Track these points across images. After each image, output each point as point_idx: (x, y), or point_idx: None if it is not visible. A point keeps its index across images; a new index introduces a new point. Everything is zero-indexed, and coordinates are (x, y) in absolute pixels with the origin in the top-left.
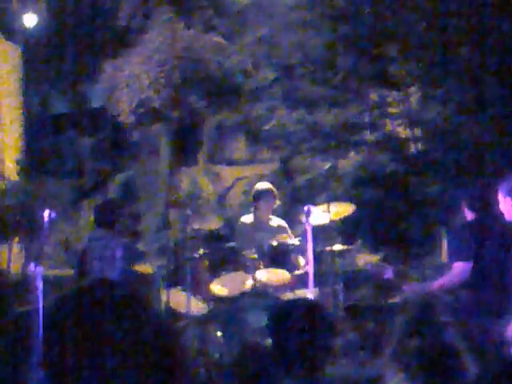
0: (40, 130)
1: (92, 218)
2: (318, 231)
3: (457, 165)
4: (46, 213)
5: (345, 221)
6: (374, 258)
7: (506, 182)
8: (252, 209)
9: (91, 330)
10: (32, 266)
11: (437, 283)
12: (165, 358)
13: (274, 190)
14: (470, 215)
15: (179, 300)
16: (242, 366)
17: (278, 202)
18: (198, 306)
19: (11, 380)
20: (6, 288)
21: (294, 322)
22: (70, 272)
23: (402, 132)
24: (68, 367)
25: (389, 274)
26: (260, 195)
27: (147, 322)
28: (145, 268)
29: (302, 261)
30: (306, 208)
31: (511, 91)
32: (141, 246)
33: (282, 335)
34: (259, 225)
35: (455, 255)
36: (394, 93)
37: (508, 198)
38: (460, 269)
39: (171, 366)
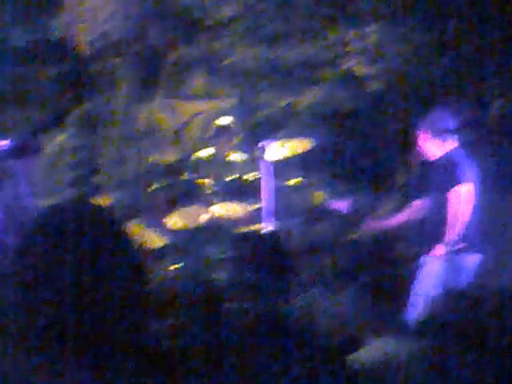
0: None
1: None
2: (276, 167)
3: (415, 103)
4: (4, 142)
5: (303, 156)
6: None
7: (426, 115)
8: (212, 143)
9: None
10: None
11: (395, 220)
12: (133, 289)
13: (236, 125)
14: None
15: (136, 233)
16: (195, 302)
17: (238, 138)
18: (154, 239)
19: None
20: None
21: (252, 256)
22: None
23: (361, 69)
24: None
25: (347, 207)
26: (222, 130)
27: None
28: (103, 199)
29: (259, 195)
30: (262, 143)
31: (473, 30)
32: (99, 179)
33: (240, 269)
34: (218, 160)
35: (414, 193)
36: (354, 30)
37: (428, 130)
38: (418, 206)
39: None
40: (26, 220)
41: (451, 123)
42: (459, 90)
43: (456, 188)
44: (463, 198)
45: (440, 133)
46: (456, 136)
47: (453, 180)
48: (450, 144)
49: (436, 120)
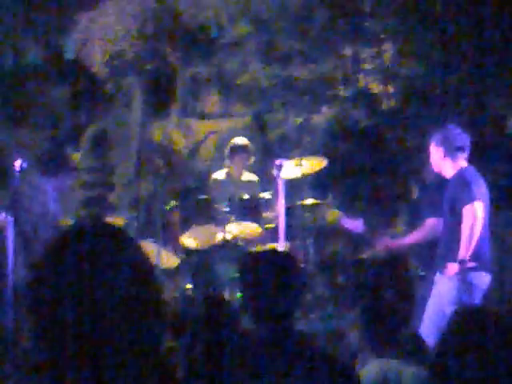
0: (12, 80)
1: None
2: (290, 185)
3: (429, 120)
4: (18, 162)
5: (317, 175)
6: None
7: (438, 133)
8: (225, 163)
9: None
10: (2, 215)
11: (408, 238)
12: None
13: (251, 146)
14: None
15: (149, 252)
16: (204, 317)
17: (253, 159)
18: (168, 259)
19: None
20: None
21: (264, 274)
22: None
23: (376, 88)
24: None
25: (360, 226)
26: (236, 151)
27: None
28: (117, 220)
29: (273, 215)
30: (277, 162)
31: (484, 46)
32: (113, 198)
33: (252, 287)
34: (232, 179)
35: (427, 210)
36: (368, 49)
37: (440, 148)
38: (431, 224)
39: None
40: (49, 237)
41: (463, 141)
42: (471, 107)
43: (468, 206)
44: (475, 216)
45: (452, 150)
46: (467, 154)
47: (465, 198)
48: (462, 162)
49: (448, 137)
